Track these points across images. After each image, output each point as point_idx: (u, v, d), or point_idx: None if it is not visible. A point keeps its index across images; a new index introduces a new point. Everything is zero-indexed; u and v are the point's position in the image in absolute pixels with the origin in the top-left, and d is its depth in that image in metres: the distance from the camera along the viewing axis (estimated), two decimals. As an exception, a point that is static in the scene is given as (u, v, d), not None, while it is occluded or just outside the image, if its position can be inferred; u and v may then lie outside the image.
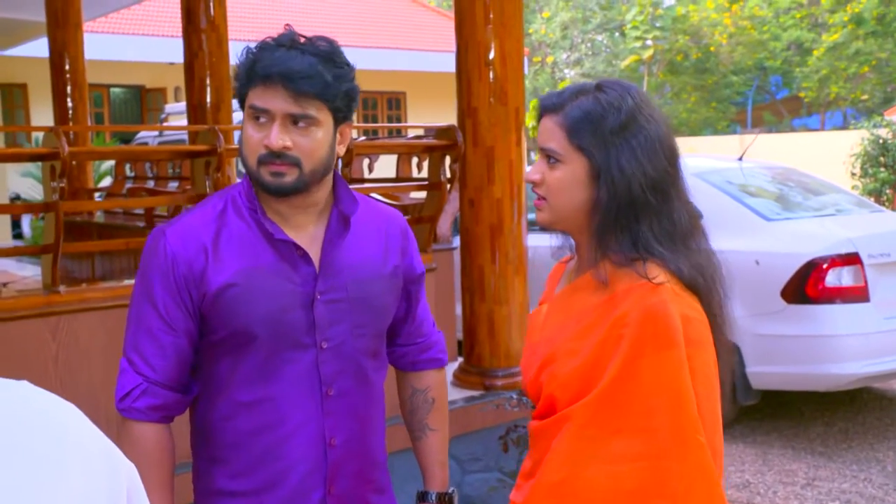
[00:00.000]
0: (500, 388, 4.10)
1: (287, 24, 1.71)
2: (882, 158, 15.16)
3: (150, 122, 17.03)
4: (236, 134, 5.25)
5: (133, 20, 15.81)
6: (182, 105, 12.89)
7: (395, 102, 19.84)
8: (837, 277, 5.03)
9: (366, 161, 5.07)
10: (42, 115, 9.52)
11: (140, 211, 6.06)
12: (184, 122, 10.56)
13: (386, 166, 5.17)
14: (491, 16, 4.01)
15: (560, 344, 1.56)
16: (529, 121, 15.35)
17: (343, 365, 1.75)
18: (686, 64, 31.79)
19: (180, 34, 5.83)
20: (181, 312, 1.68)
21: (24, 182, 13.11)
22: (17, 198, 13.34)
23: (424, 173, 4.39)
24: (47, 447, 0.84)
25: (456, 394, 4.11)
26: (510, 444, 3.81)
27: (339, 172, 1.80)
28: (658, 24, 30.67)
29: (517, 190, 4.11)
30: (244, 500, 1.73)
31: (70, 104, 7.32)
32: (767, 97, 35.93)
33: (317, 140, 1.66)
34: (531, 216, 5.91)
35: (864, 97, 29.58)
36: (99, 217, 6.69)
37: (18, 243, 10.92)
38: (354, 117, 1.78)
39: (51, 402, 0.92)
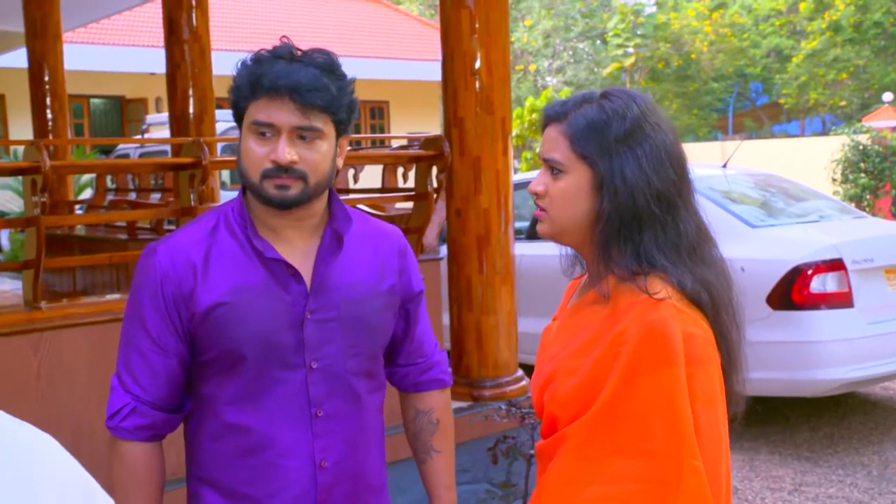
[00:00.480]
0: (488, 399, 4.08)
1: (284, 36, 1.68)
2: (862, 164, 15.29)
3: (131, 132, 16.93)
4: (219, 146, 5.22)
5: (113, 30, 15.73)
6: (163, 116, 12.84)
7: (378, 111, 19.83)
8: (822, 283, 5.04)
9: (351, 171, 5.04)
10: (21, 126, 9.44)
11: (122, 223, 6.01)
12: (165, 132, 10.51)
13: (371, 176, 5.15)
14: (477, 25, 3.99)
15: (561, 362, 1.52)
16: (515, 127, 15.38)
17: (333, 385, 1.71)
18: (667, 71, 31.98)
19: (161, 44, 5.79)
20: (170, 333, 1.66)
21: (3, 194, 13.01)
22: (-2, 211, 13.23)
23: (410, 183, 4.37)
24: (21, 478, 0.82)
25: (444, 405, 4.08)
26: (499, 456, 3.79)
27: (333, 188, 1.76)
28: (639, 32, 30.85)
29: (504, 200, 4.10)
30: None
31: (49, 115, 7.25)
32: (748, 104, 36.20)
33: (321, 153, 1.64)
34: (518, 225, 5.92)
35: (843, 103, 29.85)
36: (80, 230, 6.62)
37: (-1, 257, 10.82)
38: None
39: (26, 432, 0.90)
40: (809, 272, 5.01)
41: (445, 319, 4.46)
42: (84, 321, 3.19)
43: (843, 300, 5.04)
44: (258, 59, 1.63)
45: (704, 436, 1.41)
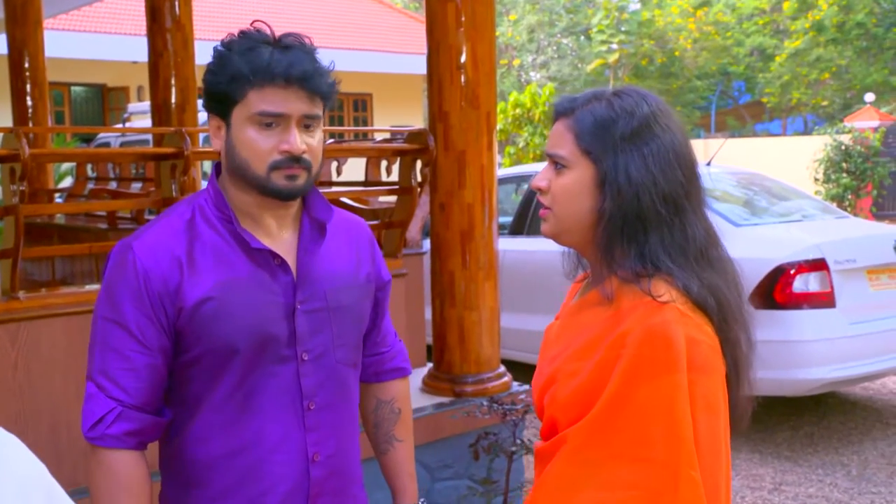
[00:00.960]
0: (469, 395, 4.07)
1: (258, 20, 1.64)
2: (844, 164, 15.40)
3: (113, 121, 16.80)
4: (201, 136, 5.17)
5: (94, 18, 15.58)
6: (145, 104, 12.73)
7: (362, 104, 19.75)
8: (804, 283, 5.06)
9: (333, 164, 5.01)
10: (0, 113, 9.33)
11: (103, 213, 5.94)
12: (147, 121, 10.42)
13: (353, 169, 5.11)
14: (463, 19, 3.97)
15: (562, 364, 1.49)
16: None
17: (324, 377, 1.69)
18: (651, 68, 32.05)
19: (143, 32, 5.73)
20: (156, 330, 1.59)
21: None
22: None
23: (393, 177, 4.35)
24: None
25: (425, 400, 4.07)
26: (481, 452, 3.78)
27: None
28: (623, 29, 30.89)
29: (488, 195, 4.08)
30: None
31: (30, 103, 7.17)
32: (730, 102, 36.36)
33: (319, 141, 1.64)
34: (502, 220, 5.90)
35: (825, 103, 30.03)
36: (59, 218, 6.55)
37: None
38: None
39: None
40: (792, 272, 5.02)
41: (428, 314, 4.44)
42: (63, 311, 3.15)
43: (825, 300, 5.06)
44: (252, 46, 1.58)
45: (704, 445, 1.38)
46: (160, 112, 5.64)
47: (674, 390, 1.36)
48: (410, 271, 4.38)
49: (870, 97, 19.32)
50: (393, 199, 4.28)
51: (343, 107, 19.25)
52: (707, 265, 1.46)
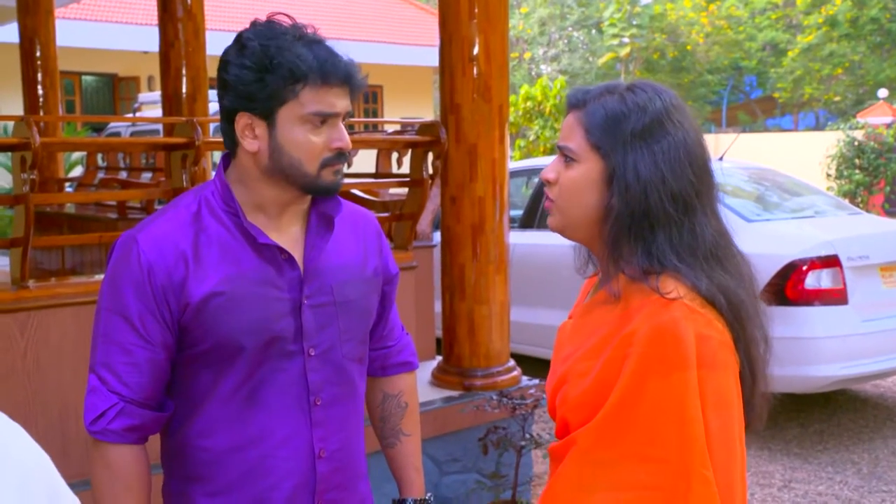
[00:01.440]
0: (479, 389, 4.05)
1: (280, 13, 1.61)
2: (857, 160, 15.31)
3: (123, 110, 16.82)
4: (212, 126, 5.17)
5: (106, 7, 15.60)
6: (155, 94, 12.74)
7: (372, 96, 19.74)
8: (817, 279, 5.03)
9: (345, 156, 4.99)
10: (10, 102, 9.35)
11: (113, 202, 5.94)
12: (158, 111, 10.43)
13: (364, 161, 5.10)
14: (476, 10, 3.94)
15: (573, 364, 1.47)
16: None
17: (331, 372, 1.67)
18: (662, 62, 31.94)
19: (154, 22, 5.72)
20: (159, 325, 1.57)
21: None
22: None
23: (404, 169, 4.33)
24: None
25: (434, 394, 4.05)
26: (490, 446, 3.77)
27: None
28: (635, 22, 30.79)
29: (499, 188, 4.05)
30: None
31: (41, 92, 7.17)
32: (742, 97, 36.23)
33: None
34: (512, 213, 5.88)
35: (837, 99, 29.89)
36: (69, 207, 6.56)
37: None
38: None
39: None
40: (804, 268, 4.98)
41: (438, 307, 4.42)
42: (72, 301, 3.15)
43: (837, 297, 5.02)
44: (288, 43, 1.54)
45: (716, 442, 1.35)
46: (171, 102, 5.63)
47: (683, 388, 1.34)
48: (420, 264, 4.37)
49: (883, 93, 19.21)
50: (404, 191, 4.26)
51: (353, 99, 19.20)
52: (717, 264, 1.43)
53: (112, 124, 13.11)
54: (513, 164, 6.97)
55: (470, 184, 4.02)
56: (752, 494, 4.53)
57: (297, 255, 1.65)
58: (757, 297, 1.48)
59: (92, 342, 1.61)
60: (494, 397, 3.74)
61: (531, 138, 15.69)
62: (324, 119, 1.57)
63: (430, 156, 4.06)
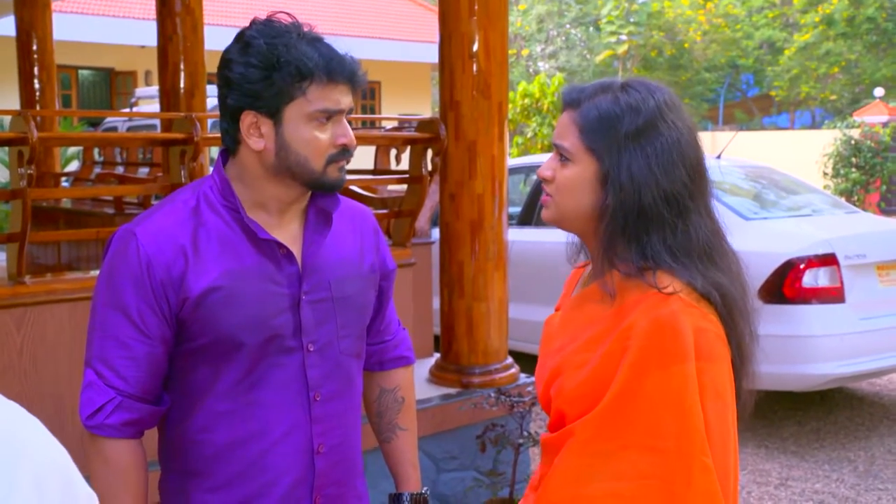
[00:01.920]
0: (477, 386, 4.05)
1: (283, 12, 1.61)
2: (854, 159, 15.32)
3: (120, 105, 16.78)
4: (210, 122, 5.15)
5: (103, 1, 15.55)
6: (153, 89, 12.70)
7: (370, 92, 19.71)
8: (814, 278, 5.03)
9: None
10: (7, 96, 9.32)
11: (110, 197, 5.93)
12: (155, 106, 10.40)
13: (362, 157, 5.08)
14: (476, 7, 3.93)
15: (568, 356, 1.49)
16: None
17: (329, 367, 1.67)
18: (660, 60, 31.94)
19: (151, 16, 5.71)
20: (157, 318, 1.57)
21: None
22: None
23: (403, 165, 4.31)
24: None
25: (432, 391, 4.05)
26: (488, 444, 3.76)
27: None
28: (633, 20, 30.79)
29: (499, 185, 4.04)
30: None
31: (37, 86, 7.15)
32: (739, 95, 36.24)
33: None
34: (510, 210, 5.87)
35: (833, 97, 29.91)
36: (66, 202, 6.54)
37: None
38: None
39: (8, 413, 0.86)
40: (802, 266, 4.99)
41: (436, 304, 4.42)
42: (69, 297, 3.13)
43: (834, 295, 5.03)
44: (292, 41, 1.54)
45: (714, 432, 1.39)
46: (169, 97, 5.62)
47: (683, 379, 1.36)
48: (419, 261, 4.36)
49: (879, 92, 19.22)
50: (402, 187, 4.25)
51: (352, 95, 19.17)
52: (711, 263, 1.46)
53: (109, 119, 13.08)
54: (511, 161, 6.96)
55: (469, 181, 4.02)
56: (749, 492, 4.53)
57: (296, 250, 1.65)
58: (746, 292, 1.51)
59: (88, 337, 1.61)
60: (492, 395, 3.74)
61: (529, 135, 15.68)
62: (329, 116, 1.57)
63: (430, 152, 4.05)
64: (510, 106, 15.57)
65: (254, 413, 1.62)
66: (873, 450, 5.10)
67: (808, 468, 4.84)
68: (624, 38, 30.46)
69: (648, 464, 1.36)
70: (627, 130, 1.43)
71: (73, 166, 11.19)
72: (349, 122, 1.66)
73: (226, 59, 1.59)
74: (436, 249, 4.39)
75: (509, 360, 4.24)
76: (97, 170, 6.79)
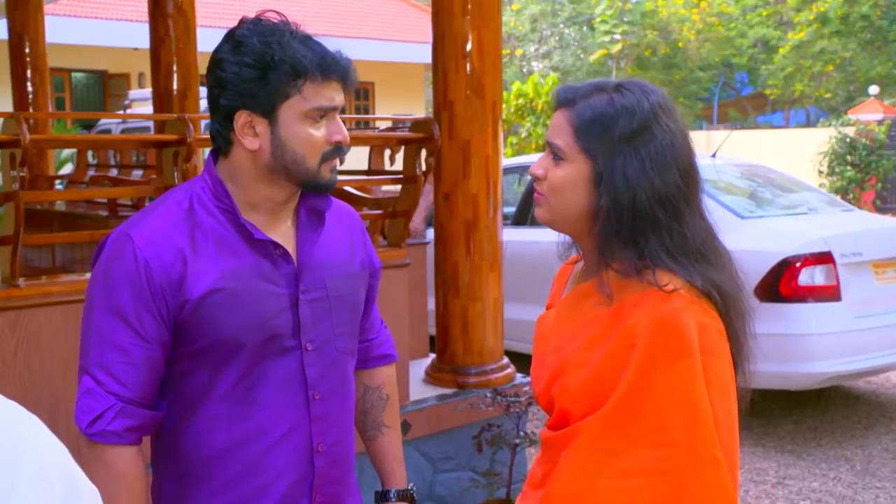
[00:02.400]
0: (473, 386, 4.04)
1: (270, 10, 1.60)
2: (849, 157, 15.34)
3: (113, 107, 16.76)
4: (203, 123, 5.13)
5: (95, 3, 15.52)
6: (146, 91, 12.69)
7: (364, 93, 19.70)
8: (810, 276, 5.02)
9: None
10: (0, 99, 9.30)
11: (103, 199, 5.90)
12: (148, 108, 10.37)
13: (356, 158, 5.07)
14: (469, 6, 3.92)
15: (569, 355, 1.49)
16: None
17: (327, 366, 1.67)
18: (654, 59, 31.96)
19: (144, 19, 5.69)
20: (155, 321, 1.55)
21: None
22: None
23: (397, 166, 4.30)
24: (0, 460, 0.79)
25: (428, 392, 4.04)
26: (484, 444, 3.76)
27: None
28: (627, 19, 30.79)
29: (493, 185, 4.04)
30: None
31: (30, 88, 7.12)
32: (733, 94, 36.28)
33: None
34: (505, 210, 5.87)
35: (828, 95, 29.94)
36: (60, 205, 6.51)
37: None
38: None
39: (9, 412, 0.86)
40: (798, 265, 4.98)
41: (431, 305, 4.41)
42: (63, 299, 3.11)
43: (830, 293, 5.02)
44: (282, 42, 1.53)
45: (721, 425, 1.41)
46: (162, 99, 5.60)
47: (690, 375, 1.38)
48: (414, 261, 4.34)
49: (874, 90, 19.26)
50: (397, 188, 4.24)
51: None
52: (706, 262, 1.47)
53: (102, 121, 13.05)
54: (505, 161, 6.95)
55: (463, 181, 4.01)
56: (747, 491, 4.52)
57: (290, 250, 1.65)
58: (741, 289, 1.53)
59: (82, 342, 1.58)
60: (488, 395, 3.73)
61: (523, 135, 15.68)
62: (323, 114, 1.57)
63: (424, 152, 4.03)
64: (504, 106, 15.55)
65: (253, 414, 1.61)
66: (870, 448, 5.10)
67: (806, 467, 4.83)
68: (618, 37, 30.47)
69: (657, 459, 1.37)
70: (622, 132, 1.44)
71: (68, 169, 11.16)
72: (343, 122, 1.65)
73: (217, 58, 1.57)
74: (431, 250, 4.38)
75: (505, 360, 4.23)
76: (91, 172, 6.76)
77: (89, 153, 6.84)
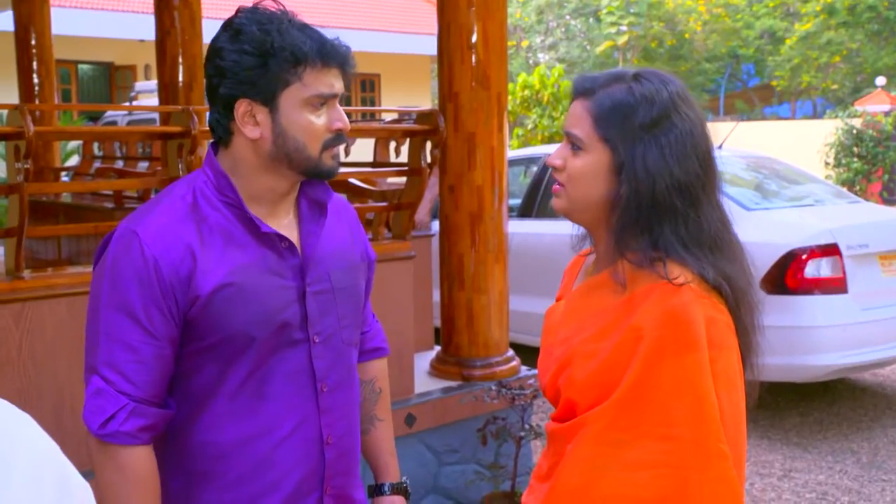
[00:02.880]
0: (478, 379, 4.03)
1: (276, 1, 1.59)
2: (856, 148, 15.27)
3: (120, 99, 16.76)
4: (208, 115, 5.14)
5: (102, -5, 15.50)
6: (152, 83, 12.69)
7: (370, 84, 19.66)
8: (816, 268, 5.01)
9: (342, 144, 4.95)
10: (6, 91, 9.29)
11: (109, 191, 5.91)
12: (155, 100, 10.38)
13: (361, 150, 5.06)
14: (474, -3, 3.90)
15: (577, 346, 1.49)
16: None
17: (334, 358, 1.67)
18: (660, 50, 31.86)
19: (150, 10, 5.69)
20: (165, 318, 1.53)
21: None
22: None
23: (402, 158, 4.29)
24: None
25: (433, 384, 4.04)
26: (489, 437, 3.75)
27: None
28: (633, 10, 30.69)
29: (498, 177, 4.03)
30: None
31: (36, 80, 7.12)
32: (739, 85, 36.17)
33: None
34: (511, 202, 5.86)
35: (835, 87, 29.83)
36: (66, 197, 6.52)
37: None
38: None
39: (1, 411, 0.86)
40: (804, 257, 4.97)
41: (436, 297, 4.40)
42: (68, 291, 3.11)
43: (837, 286, 5.01)
44: (282, 29, 1.53)
45: (728, 419, 1.40)
46: (167, 90, 5.60)
47: (698, 369, 1.38)
48: (419, 253, 4.33)
49: (881, 81, 19.16)
50: (402, 180, 4.23)
51: (351, 87, 19.13)
52: (720, 253, 1.48)
53: (109, 113, 13.06)
54: (511, 153, 6.93)
55: (468, 172, 4.00)
56: (752, 484, 4.52)
57: (294, 242, 1.64)
58: (752, 282, 1.52)
59: (89, 342, 1.56)
60: (493, 387, 3.72)
61: (529, 127, 15.65)
62: (324, 101, 1.56)
63: (429, 144, 4.02)
64: (510, 97, 15.54)
65: (264, 409, 1.60)
66: (877, 441, 5.09)
67: (812, 459, 4.82)
68: (624, 28, 30.38)
69: (663, 452, 1.37)
70: (642, 121, 1.45)
71: (74, 161, 11.18)
72: (348, 115, 1.64)
73: (215, 47, 1.56)
74: (436, 242, 4.37)
75: (510, 352, 4.23)
76: (97, 164, 6.77)
77: (95, 145, 6.85)
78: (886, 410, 5.62)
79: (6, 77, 9.10)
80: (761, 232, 5.08)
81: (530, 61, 33.21)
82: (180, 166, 3.41)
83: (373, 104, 19.44)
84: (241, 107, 1.55)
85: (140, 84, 14.70)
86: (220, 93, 1.56)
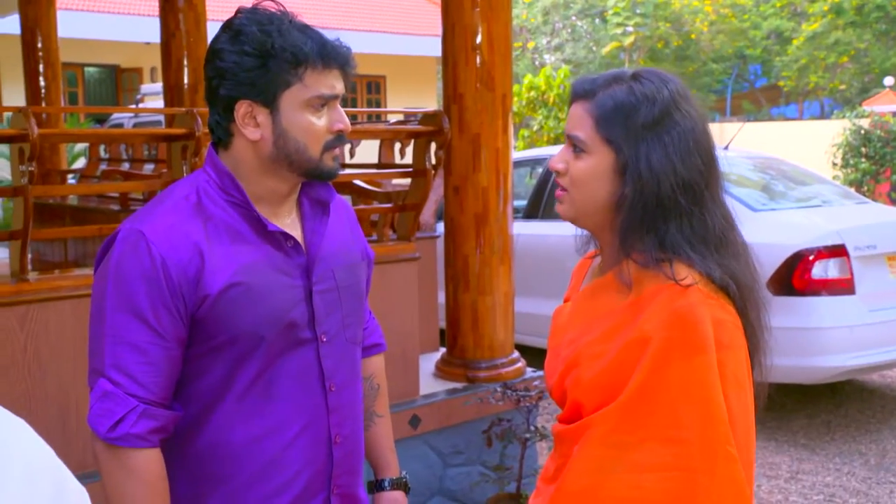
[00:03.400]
0: (483, 381, 4.02)
1: (271, 0, 1.59)
2: (864, 149, 15.21)
3: (126, 102, 16.80)
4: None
5: (108, -2, 15.54)
6: (158, 86, 12.70)
7: (375, 86, 19.67)
8: (824, 269, 4.99)
9: (347, 146, 4.95)
10: (13, 94, 9.31)
11: (115, 193, 5.91)
12: (160, 102, 10.38)
13: (366, 151, 5.06)
14: (479, -1, 3.89)
15: (583, 347, 1.48)
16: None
17: (340, 357, 1.67)
18: (666, 51, 31.83)
19: (156, 13, 5.68)
20: (173, 319, 1.51)
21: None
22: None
23: (407, 159, 4.29)
24: None
25: (438, 386, 4.03)
26: (494, 439, 3.74)
27: None
28: (639, 11, 30.67)
29: (503, 178, 4.02)
30: None
31: (42, 83, 7.13)
32: (746, 86, 36.11)
33: None
34: (516, 204, 5.85)
35: (842, 87, 29.76)
36: (72, 199, 6.53)
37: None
38: None
39: None
40: (811, 258, 4.95)
41: (441, 298, 4.40)
42: (73, 294, 3.11)
43: (844, 287, 4.98)
44: (282, 30, 1.52)
45: (737, 420, 1.39)
46: (172, 93, 5.60)
47: (705, 370, 1.37)
48: (424, 255, 4.33)
49: (889, 81, 19.10)
50: (406, 181, 4.23)
51: (356, 89, 19.16)
52: (726, 252, 1.47)
53: (115, 116, 13.09)
54: (516, 154, 6.93)
55: (473, 174, 3.99)
56: (759, 486, 4.50)
57: (298, 240, 1.64)
58: (758, 281, 1.52)
59: (93, 345, 1.54)
60: (498, 389, 3.71)
61: (535, 128, 15.62)
62: (325, 102, 1.55)
63: (434, 146, 4.02)
64: (516, 99, 15.50)
65: (271, 409, 1.59)
66: (885, 443, 5.06)
67: (819, 461, 4.80)
68: (630, 29, 30.35)
69: (670, 455, 1.36)
70: (644, 120, 1.44)
71: (81, 163, 11.20)
72: (353, 116, 1.63)
73: (215, 49, 1.56)
74: (441, 243, 4.37)
75: (515, 354, 4.22)
76: (103, 166, 6.77)
77: (101, 147, 6.86)
78: (894, 412, 5.59)
79: (13, 80, 9.12)
80: (768, 233, 5.06)
81: (536, 62, 33.19)
82: (185, 168, 3.41)
83: (378, 106, 19.45)
84: (242, 108, 1.54)
85: (146, 86, 14.72)
86: (221, 94, 1.55)
